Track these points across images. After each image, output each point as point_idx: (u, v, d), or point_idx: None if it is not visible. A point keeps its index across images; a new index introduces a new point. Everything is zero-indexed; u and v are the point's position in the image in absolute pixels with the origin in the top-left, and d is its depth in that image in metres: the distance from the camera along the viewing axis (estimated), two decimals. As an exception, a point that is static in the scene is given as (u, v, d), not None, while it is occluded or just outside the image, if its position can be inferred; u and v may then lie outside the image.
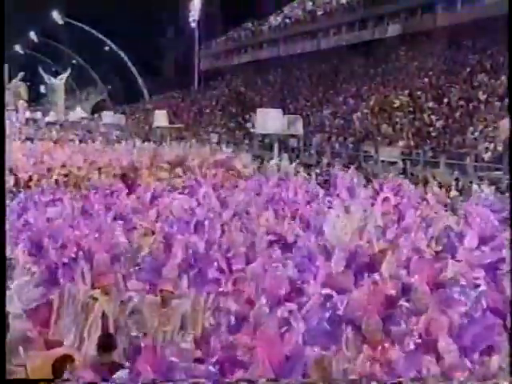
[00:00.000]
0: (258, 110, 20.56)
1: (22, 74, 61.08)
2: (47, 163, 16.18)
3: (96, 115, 53.51)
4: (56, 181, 14.25)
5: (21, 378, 4.63)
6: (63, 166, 15.81)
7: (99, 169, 15.49)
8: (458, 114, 24.38)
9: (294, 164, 17.35)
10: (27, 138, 31.14)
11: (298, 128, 19.66)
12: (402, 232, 7.97)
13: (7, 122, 48.36)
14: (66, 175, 14.88)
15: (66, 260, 6.79)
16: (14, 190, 13.20)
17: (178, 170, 15.42)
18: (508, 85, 22.75)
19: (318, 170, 19.04)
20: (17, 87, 61.04)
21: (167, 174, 15.13)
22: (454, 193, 13.45)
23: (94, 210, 9.56)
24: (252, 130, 23.61)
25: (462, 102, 25.26)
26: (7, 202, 11.23)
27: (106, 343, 5.03)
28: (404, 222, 8.80)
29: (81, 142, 26.66)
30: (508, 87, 22.03)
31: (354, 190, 11.26)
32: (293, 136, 22.99)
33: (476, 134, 21.62)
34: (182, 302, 5.79)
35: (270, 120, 18.94)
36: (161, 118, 29.41)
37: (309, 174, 15.58)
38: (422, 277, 6.05)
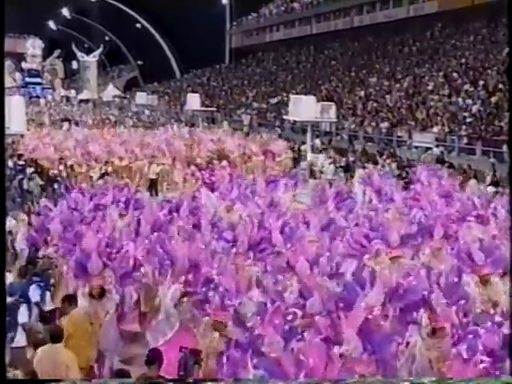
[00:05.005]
0: (292, 96, 20.44)
1: (58, 51, 61.34)
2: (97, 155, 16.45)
3: (128, 93, 53.84)
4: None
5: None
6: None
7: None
8: (495, 99, 23.77)
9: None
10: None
11: (332, 115, 19.53)
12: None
13: (42, 101, 49.15)
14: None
15: None
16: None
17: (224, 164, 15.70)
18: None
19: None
20: (53, 65, 61.55)
21: None
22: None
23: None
24: (285, 117, 23.49)
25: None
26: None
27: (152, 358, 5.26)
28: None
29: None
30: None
31: None
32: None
33: (514, 120, 21.03)
34: None
35: (303, 107, 18.81)
36: (193, 101, 29.47)
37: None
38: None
